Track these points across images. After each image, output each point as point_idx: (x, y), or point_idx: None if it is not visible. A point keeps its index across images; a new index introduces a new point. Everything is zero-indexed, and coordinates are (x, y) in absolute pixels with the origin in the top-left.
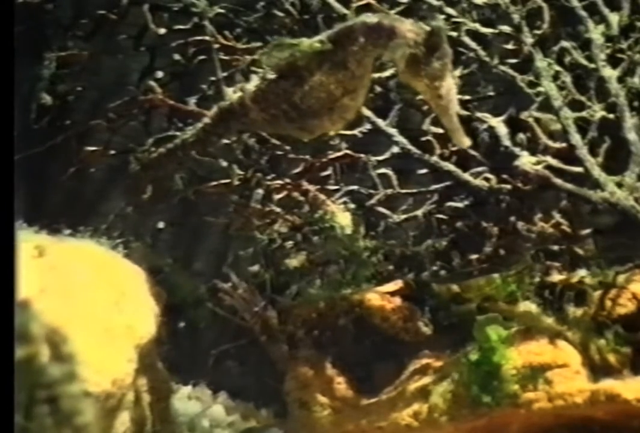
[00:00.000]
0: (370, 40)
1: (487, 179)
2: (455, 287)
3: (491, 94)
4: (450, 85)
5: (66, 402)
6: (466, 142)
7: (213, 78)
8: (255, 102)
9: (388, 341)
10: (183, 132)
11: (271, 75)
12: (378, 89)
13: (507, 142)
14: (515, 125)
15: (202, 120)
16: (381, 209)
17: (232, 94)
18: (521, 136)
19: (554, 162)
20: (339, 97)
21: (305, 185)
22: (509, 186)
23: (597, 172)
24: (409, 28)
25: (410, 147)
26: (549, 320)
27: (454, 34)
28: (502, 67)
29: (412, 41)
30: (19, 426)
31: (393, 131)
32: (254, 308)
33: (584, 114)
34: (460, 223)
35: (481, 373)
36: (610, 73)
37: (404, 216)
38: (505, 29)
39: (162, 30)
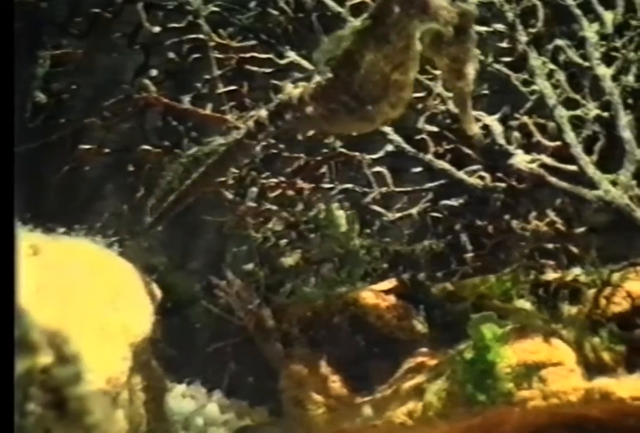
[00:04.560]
0: (405, 11)
1: (481, 178)
2: (449, 286)
3: (485, 92)
4: (470, 70)
5: (75, 403)
6: (474, 128)
7: (208, 76)
8: (314, 99)
9: (383, 339)
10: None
11: (328, 72)
12: None
13: (501, 140)
14: (509, 124)
15: (255, 116)
16: (376, 207)
17: (292, 89)
18: (516, 134)
19: (548, 160)
20: (389, 73)
21: (300, 183)
22: (503, 184)
23: (591, 171)
24: (442, 5)
25: (404, 145)
26: (544, 319)
27: None
28: (497, 66)
29: (442, 18)
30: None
31: (387, 129)
32: (248, 306)
33: (578, 112)
34: (454, 222)
35: (476, 371)
36: (604, 71)
37: (398, 214)
38: (500, 27)
39: (157, 29)
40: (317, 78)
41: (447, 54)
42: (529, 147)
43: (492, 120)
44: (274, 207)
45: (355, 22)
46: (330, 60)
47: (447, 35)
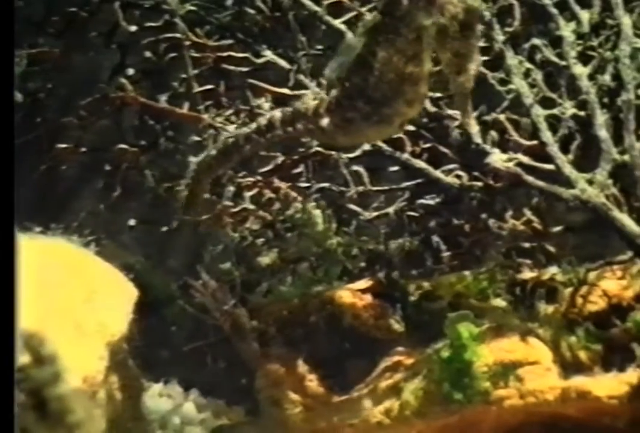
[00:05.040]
0: (413, 4)
1: (458, 177)
2: (426, 284)
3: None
4: (472, 66)
5: (55, 403)
6: (472, 125)
7: (184, 75)
8: (329, 111)
9: (359, 338)
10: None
11: (342, 84)
12: None
13: (478, 139)
14: (486, 123)
15: (269, 115)
16: (353, 206)
17: (310, 100)
18: (492, 134)
19: (525, 159)
20: (403, 67)
21: (277, 182)
22: (480, 183)
23: (568, 170)
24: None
25: (381, 144)
26: (520, 317)
27: None
28: None
29: (448, 12)
30: None
31: None
32: (223, 306)
33: (555, 111)
34: (431, 221)
35: (452, 370)
36: (581, 70)
37: (375, 213)
38: None
39: (133, 28)
40: (333, 92)
41: (451, 48)
42: (505, 145)
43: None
44: (251, 206)
45: (365, 20)
46: (344, 69)
47: (452, 30)
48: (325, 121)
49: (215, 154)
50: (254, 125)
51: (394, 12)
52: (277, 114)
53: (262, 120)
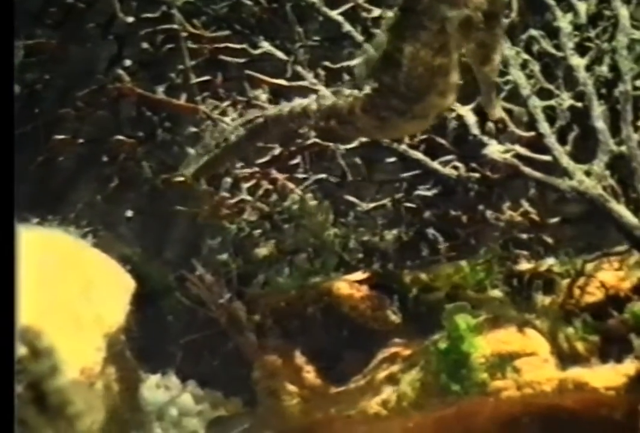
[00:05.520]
0: None
1: (455, 168)
2: (423, 276)
3: (459, 82)
4: (497, 56)
5: (55, 396)
6: (497, 113)
7: (181, 67)
8: (365, 111)
9: (357, 330)
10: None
11: (372, 83)
12: (346, 77)
13: (475, 130)
14: (484, 114)
15: (305, 103)
16: (350, 198)
17: (345, 97)
18: (490, 125)
19: (522, 150)
20: (432, 60)
21: (274, 173)
22: (477, 175)
23: (565, 161)
24: None
25: None
26: (517, 309)
27: None
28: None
29: (472, 4)
30: None
31: None
32: (219, 300)
33: (552, 102)
34: (428, 212)
35: (450, 361)
36: (578, 61)
37: (372, 205)
38: None
39: (130, 19)
40: (367, 89)
41: (475, 39)
42: (503, 137)
43: (466, 111)
44: (248, 198)
45: (386, 18)
46: (373, 67)
47: (476, 21)
48: (362, 121)
49: (245, 133)
50: (286, 109)
51: (416, 6)
52: (314, 105)
53: (297, 107)
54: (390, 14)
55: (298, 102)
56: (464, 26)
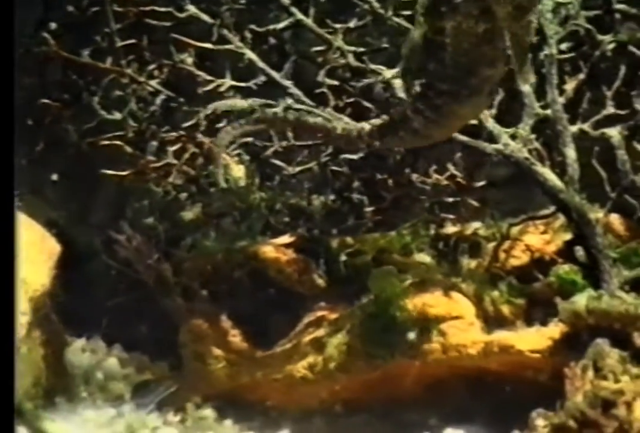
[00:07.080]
0: None
1: None
2: (349, 240)
3: (386, 46)
4: (533, 19)
5: None
6: (531, 78)
7: (107, 30)
8: (417, 111)
9: (283, 293)
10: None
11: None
12: (272, 40)
13: (401, 94)
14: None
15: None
16: (276, 161)
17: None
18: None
19: None
20: (475, 27)
21: (200, 137)
22: None
23: (491, 124)
24: None
25: (304, 98)
26: (444, 272)
27: None
28: (396, 19)
29: None
30: None
31: (288, 83)
32: (147, 260)
33: None
34: (355, 176)
35: (376, 325)
36: None
37: (298, 168)
38: None
39: None
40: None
41: (512, 1)
42: None
43: (392, 74)
44: (174, 161)
45: (420, 2)
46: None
47: None
48: (416, 122)
49: (292, 119)
50: (356, 128)
51: None
52: (367, 126)
53: (367, 128)
54: None
55: (353, 125)
56: None
